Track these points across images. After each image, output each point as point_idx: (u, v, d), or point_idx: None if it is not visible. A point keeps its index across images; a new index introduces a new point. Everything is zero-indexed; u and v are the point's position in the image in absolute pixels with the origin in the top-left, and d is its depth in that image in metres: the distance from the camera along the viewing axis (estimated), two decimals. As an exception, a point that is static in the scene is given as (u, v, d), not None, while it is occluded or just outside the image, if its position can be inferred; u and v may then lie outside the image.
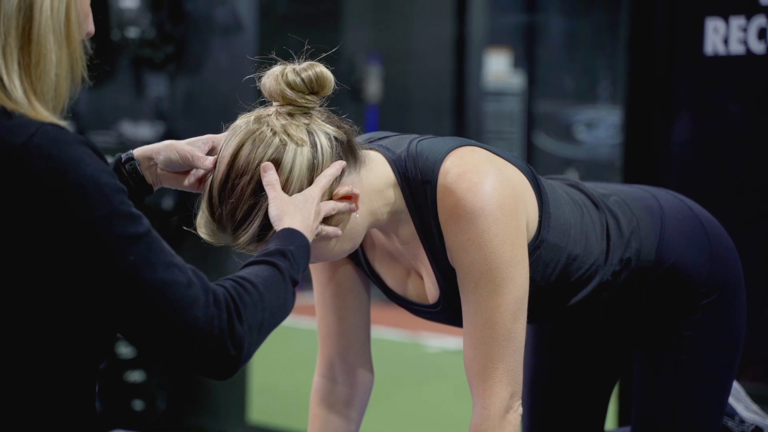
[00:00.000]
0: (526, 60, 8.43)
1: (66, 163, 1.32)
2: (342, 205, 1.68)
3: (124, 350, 4.11)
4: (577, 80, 8.34)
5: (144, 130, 4.09)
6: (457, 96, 8.22)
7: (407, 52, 8.24)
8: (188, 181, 1.72)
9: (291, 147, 1.65)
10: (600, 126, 8.16)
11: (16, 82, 1.36)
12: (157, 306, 1.34)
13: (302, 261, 1.55)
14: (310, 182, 1.65)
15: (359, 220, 1.72)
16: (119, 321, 1.37)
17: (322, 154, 1.66)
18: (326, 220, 1.68)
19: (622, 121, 2.94)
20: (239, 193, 1.63)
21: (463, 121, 8.18)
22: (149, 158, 1.71)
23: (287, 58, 1.72)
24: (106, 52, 4.20)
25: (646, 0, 2.84)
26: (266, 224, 1.62)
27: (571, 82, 8.35)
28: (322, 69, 1.69)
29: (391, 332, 6.06)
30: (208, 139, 1.72)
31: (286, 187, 1.63)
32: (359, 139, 1.77)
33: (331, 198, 1.67)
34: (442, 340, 6.16)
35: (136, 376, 4.12)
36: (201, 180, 1.72)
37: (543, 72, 8.43)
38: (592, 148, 8.17)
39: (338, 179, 1.68)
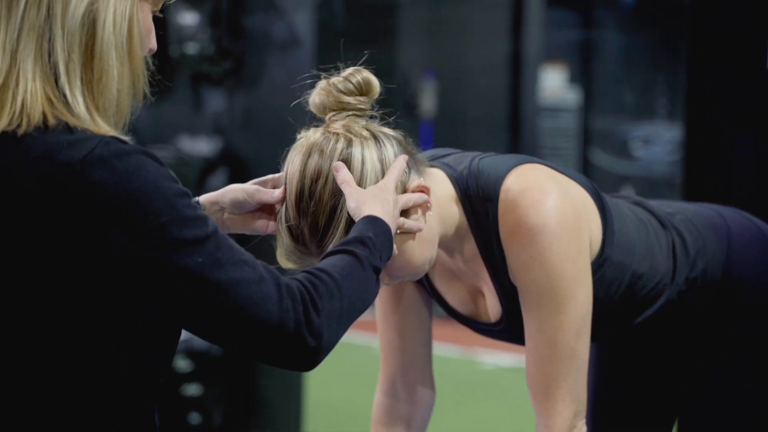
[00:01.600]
0: (582, 75, 8.41)
1: (127, 172, 1.33)
2: (417, 196, 1.66)
3: (182, 364, 4.13)
4: (634, 96, 8.30)
5: (202, 144, 4.12)
6: (512, 112, 8.21)
7: (462, 68, 8.25)
8: (258, 220, 1.71)
9: (357, 142, 1.65)
10: (657, 142, 8.10)
11: (79, 98, 1.37)
12: (231, 304, 1.35)
13: (384, 246, 1.53)
14: (383, 175, 1.64)
15: (433, 223, 1.71)
16: (194, 323, 1.38)
17: (387, 149, 1.66)
18: (404, 214, 1.66)
19: (683, 138, 2.92)
20: (317, 199, 1.62)
21: (519, 137, 8.17)
22: (215, 203, 1.70)
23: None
24: (165, 68, 4.24)
25: (707, 15, 2.82)
26: (353, 224, 1.60)
27: (628, 98, 8.31)
28: (366, 73, 1.70)
29: (445, 348, 6.05)
30: (268, 178, 1.72)
31: (361, 182, 1.62)
32: (422, 155, 1.77)
33: (404, 192, 1.66)
34: (497, 356, 6.14)
35: (192, 389, 4.14)
36: (270, 213, 1.70)
37: (599, 88, 8.40)
38: (649, 165, 8.12)
39: (407, 173, 1.67)
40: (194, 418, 4.15)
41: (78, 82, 1.37)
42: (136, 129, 4.78)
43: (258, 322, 1.36)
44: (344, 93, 1.69)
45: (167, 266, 1.33)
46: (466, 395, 5.43)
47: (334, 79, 1.70)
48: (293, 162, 1.66)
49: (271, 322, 1.36)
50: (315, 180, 1.63)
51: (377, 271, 1.50)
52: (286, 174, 1.67)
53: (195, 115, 4.24)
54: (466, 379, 5.86)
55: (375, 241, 1.52)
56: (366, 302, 1.49)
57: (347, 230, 1.61)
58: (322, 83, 1.71)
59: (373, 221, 1.55)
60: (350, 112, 1.69)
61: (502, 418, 5.13)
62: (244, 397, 4.19)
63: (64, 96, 1.36)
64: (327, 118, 1.70)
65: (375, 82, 1.71)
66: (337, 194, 1.62)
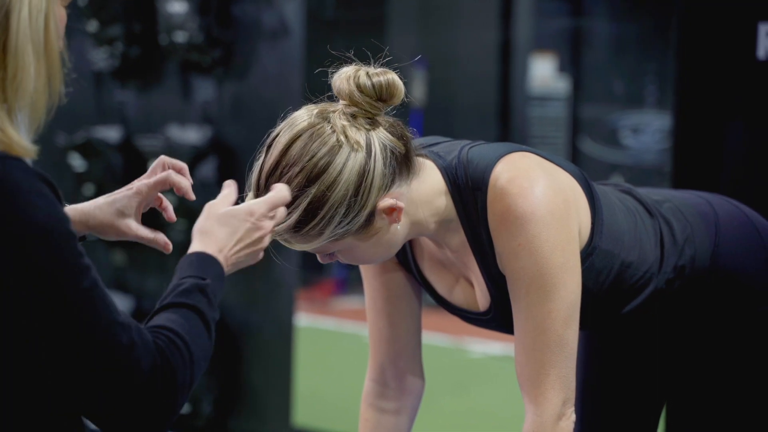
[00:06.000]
0: (572, 64, 8.40)
1: (11, 206, 1.25)
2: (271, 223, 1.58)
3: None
4: (624, 85, 8.29)
5: (191, 134, 4.11)
6: (502, 101, 8.21)
7: (452, 57, 8.24)
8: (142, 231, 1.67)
9: (345, 149, 1.65)
10: (646, 131, 8.11)
11: None
12: (95, 368, 1.29)
13: (218, 293, 1.48)
14: (357, 188, 1.64)
15: (400, 230, 1.72)
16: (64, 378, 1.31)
17: (374, 164, 1.66)
18: (366, 229, 1.67)
19: (672, 126, 2.92)
20: (285, 183, 1.63)
21: (508, 126, 8.17)
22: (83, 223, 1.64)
23: (334, 62, 1.72)
24: (154, 57, 4.23)
25: (697, 4, 2.82)
26: (303, 219, 1.63)
27: (617, 87, 8.31)
28: (394, 77, 1.69)
29: (434, 337, 6.06)
30: (154, 172, 1.67)
31: (330, 190, 1.63)
32: (413, 143, 1.77)
33: (374, 210, 1.67)
34: (486, 345, 6.15)
35: (182, 378, 4.13)
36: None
37: (589, 76, 8.40)
38: (638, 154, 8.13)
39: (384, 189, 1.67)
40: (184, 407, 4.15)
41: None
42: (125, 118, 4.77)
43: (121, 389, 1.30)
44: (360, 90, 1.67)
45: (41, 314, 1.27)
46: (456, 384, 5.44)
47: (360, 72, 1.68)
48: (285, 132, 1.67)
49: (134, 390, 1.31)
50: (290, 165, 1.64)
51: (215, 322, 1.46)
52: (275, 137, 1.68)
53: (184, 104, 4.23)
54: (455, 368, 5.87)
55: (214, 289, 1.46)
56: (205, 364, 1.43)
57: (297, 222, 1.63)
58: (348, 69, 1.69)
59: (206, 261, 1.48)
60: (359, 110, 1.68)
61: (492, 406, 5.14)
62: (233, 386, 4.19)
63: None
64: (339, 102, 1.69)
65: (400, 88, 1.69)
66: (303, 189, 1.63)
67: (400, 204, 1.68)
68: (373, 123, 1.68)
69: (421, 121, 7.69)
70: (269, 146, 1.68)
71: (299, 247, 1.69)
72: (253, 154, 1.72)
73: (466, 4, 8.27)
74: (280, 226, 1.64)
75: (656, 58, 8.00)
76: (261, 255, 1.57)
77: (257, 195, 1.67)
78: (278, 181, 1.64)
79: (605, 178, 7.54)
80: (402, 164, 1.69)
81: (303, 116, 1.68)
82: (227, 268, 1.51)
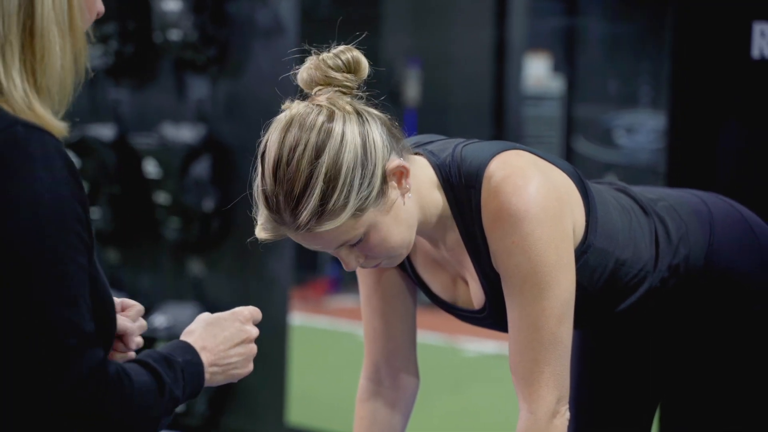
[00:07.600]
0: (566, 64, 8.41)
1: (14, 172, 1.25)
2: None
3: (164, 351, 4.12)
4: (618, 84, 8.30)
5: (185, 132, 4.11)
6: (496, 100, 8.21)
7: (447, 56, 8.24)
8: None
9: (339, 116, 1.65)
10: (640, 131, 8.12)
11: (17, 81, 1.30)
12: (30, 356, 1.26)
13: (191, 379, 1.43)
14: (364, 149, 1.63)
15: (412, 208, 1.71)
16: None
17: (370, 127, 1.66)
18: (383, 199, 1.66)
19: (666, 126, 2.92)
20: (295, 165, 1.62)
21: (503, 126, 8.16)
22: None
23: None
24: (148, 54, 4.22)
25: (692, 3, 2.82)
26: (326, 191, 1.61)
27: (612, 87, 8.32)
28: (356, 52, 1.71)
29: (428, 336, 6.06)
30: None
31: (339, 156, 1.62)
32: (407, 142, 1.77)
33: (384, 175, 1.66)
34: (480, 344, 6.15)
35: (175, 377, 4.13)
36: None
37: (583, 76, 8.40)
38: (632, 153, 8.13)
39: (387, 152, 1.67)
40: (177, 405, 4.14)
41: (18, 65, 1.30)
42: (119, 116, 4.76)
43: (53, 380, 1.26)
44: (332, 68, 1.69)
45: (11, 284, 1.25)
46: (450, 383, 5.44)
47: (324, 55, 1.70)
48: (273, 132, 1.67)
49: (63, 384, 1.27)
50: (293, 148, 1.63)
51: (175, 400, 1.40)
52: (265, 144, 1.67)
53: (178, 102, 4.23)
54: (449, 366, 5.87)
55: (184, 368, 1.42)
56: (149, 424, 1.37)
57: (322, 197, 1.61)
58: (311, 58, 1.71)
59: (188, 350, 1.45)
60: (336, 88, 1.68)
61: (486, 405, 5.14)
62: (226, 384, 4.19)
63: None
64: (313, 92, 1.70)
65: (364, 62, 1.71)
66: (314, 161, 1.61)
67: (406, 164, 1.68)
68: (352, 98, 1.69)
69: (416, 120, 7.69)
70: (262, 154, 1.67)
71: (328, 227, 1.62)
72: (251, 156, 1.71)
73: (461, 4, 8.26)
74: (304, 214, 1.61)
75: (651, 58, 8.00)
76: (251, 365, 1.54)
77: (268, 203, 1.64)
78: (287, 169, 1.62)
79: (599, 177, 7.53)
80: (391, 133, 1.70)
81: (285, 113, 1.69)
82: (215, 368, 1.49)
